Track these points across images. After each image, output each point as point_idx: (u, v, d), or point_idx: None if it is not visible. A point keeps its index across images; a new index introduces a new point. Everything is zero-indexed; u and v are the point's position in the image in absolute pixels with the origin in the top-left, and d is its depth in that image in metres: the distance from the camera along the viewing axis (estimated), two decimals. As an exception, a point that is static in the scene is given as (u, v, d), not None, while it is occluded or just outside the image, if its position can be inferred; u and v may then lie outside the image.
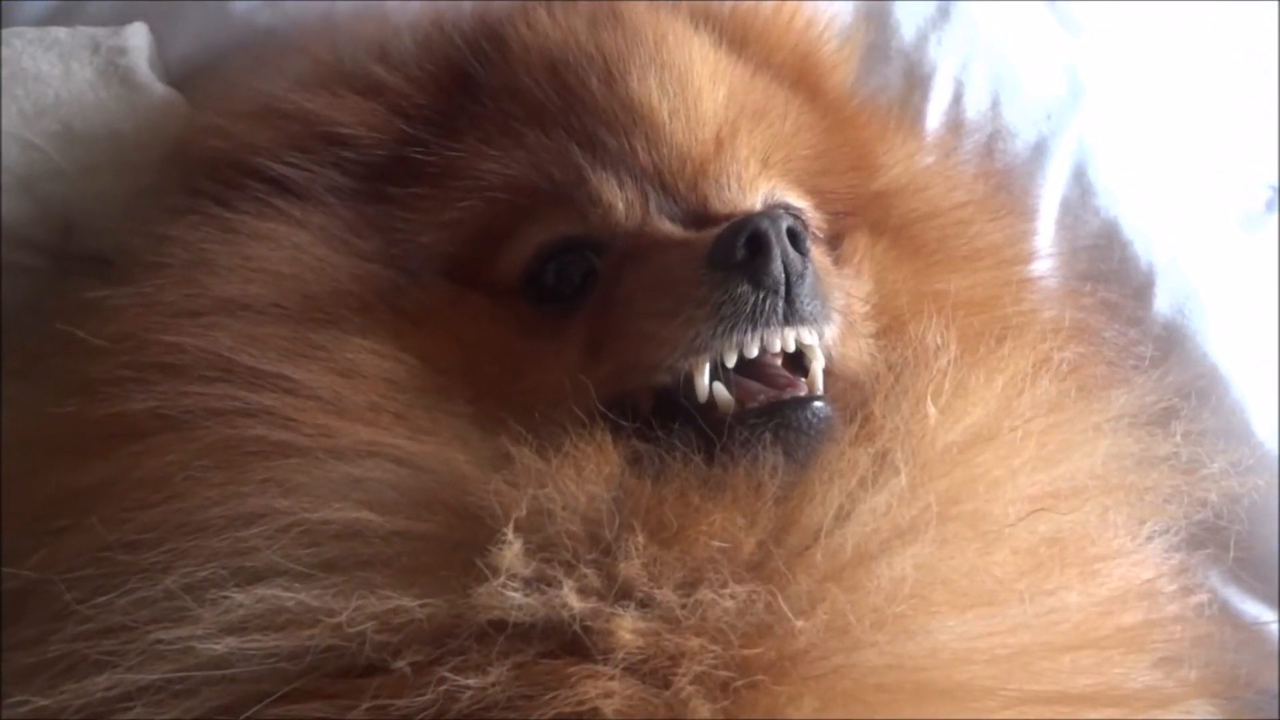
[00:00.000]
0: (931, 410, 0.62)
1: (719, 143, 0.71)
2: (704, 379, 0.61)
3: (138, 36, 0.79)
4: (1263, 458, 0.89)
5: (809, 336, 0.62)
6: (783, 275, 0.61)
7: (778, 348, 0.62)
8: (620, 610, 0.55)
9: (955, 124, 0.94)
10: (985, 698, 0.57)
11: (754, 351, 0.62)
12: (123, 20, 0.82)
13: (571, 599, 0.54)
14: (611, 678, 0.53)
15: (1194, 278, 0.94)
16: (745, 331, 0.61)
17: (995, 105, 0.95)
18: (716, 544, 0.56)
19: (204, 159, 0.73)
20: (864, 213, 0.76)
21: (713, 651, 0.54)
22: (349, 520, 0.57)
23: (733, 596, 0.55)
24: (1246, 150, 1.25)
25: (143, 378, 0.62)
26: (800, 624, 0.55)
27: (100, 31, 0.79)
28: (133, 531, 0.58)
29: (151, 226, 0.72)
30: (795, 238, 0.62)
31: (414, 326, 0.66)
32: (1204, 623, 0.71)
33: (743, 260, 0.61)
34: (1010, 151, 0.95)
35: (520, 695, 0.53)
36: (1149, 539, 0.71)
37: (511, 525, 0.55)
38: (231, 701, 0.55)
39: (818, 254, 0.66)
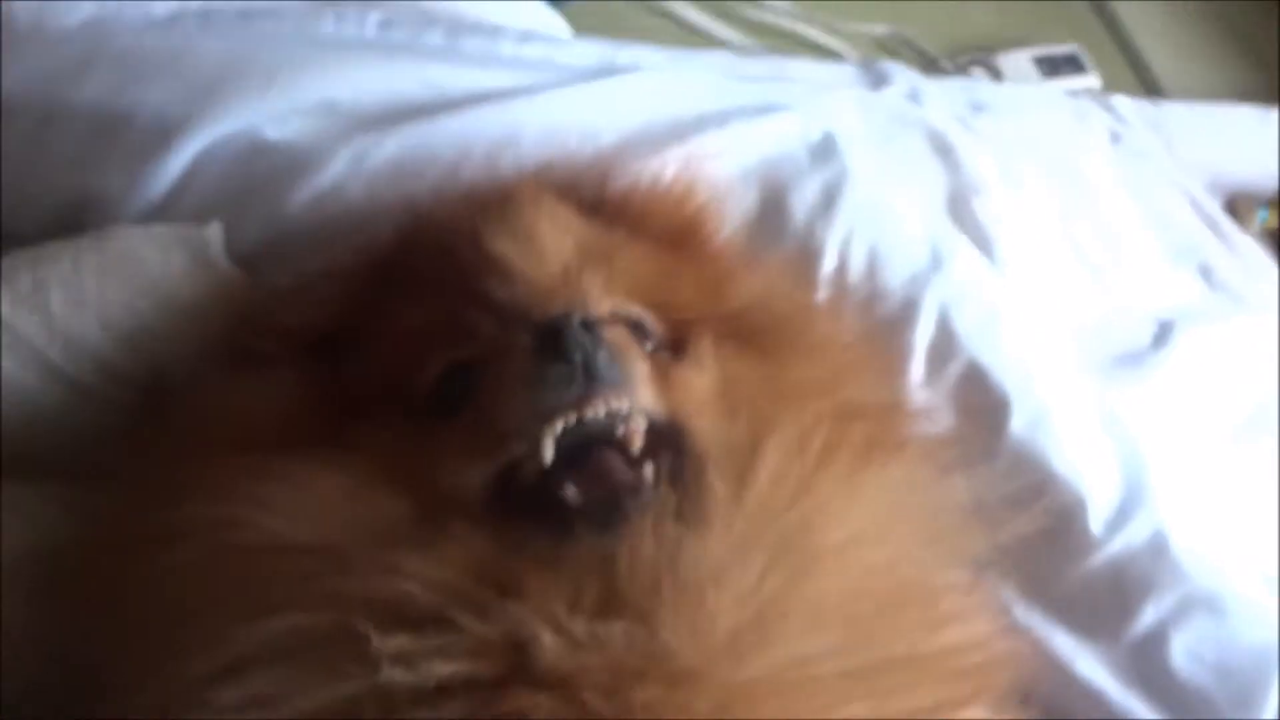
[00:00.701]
0: (715, 478, 0.77)
1: (565, 276, 0.86)
2: (547, 447, 0.76)
3: (216, 232, 1.02)
4: (1094, 549, 1.07)
5: (615, 401, 0.76)
6: (578, 352, 0.75)
7: (590, 415, 0.75)
8: (539, 640, 0.67)
9: (841, 286, 1.15)
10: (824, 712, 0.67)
11: (573, 418, 0.74)
12: (205, 214, 1.06)
13: (438, 667, 0.65)
14: (537, 693, 0.66)
15: (1045, 403, 1.12)
16: (558, 395, 0.75)
17: (871, 272, 1.16)
18: (564, 596, 0.68)
19: (220, 334, 0.96)
20: (711, 325, 0.91)
21: (609, 672, 0.67)
22: (292, 622, 0.68)
23: (615, 628, 0.68)
24: (1130, 287, 1.46)
25: (165, 499, 0.79)
26: (674, 645, 0.68)
27: (189, 230, 1.02)
28: (155, 623, 0.73)
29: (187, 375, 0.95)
30: (588, 326, 0.76)
31: (345, 451, 0.81)
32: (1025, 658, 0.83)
33: (549, 345, 0.76)
34: (886, 305, 1.16)
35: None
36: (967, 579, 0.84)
37: (378, 615, 0.67)
38: None
39: (617, 338, 0.81)
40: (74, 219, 1.09)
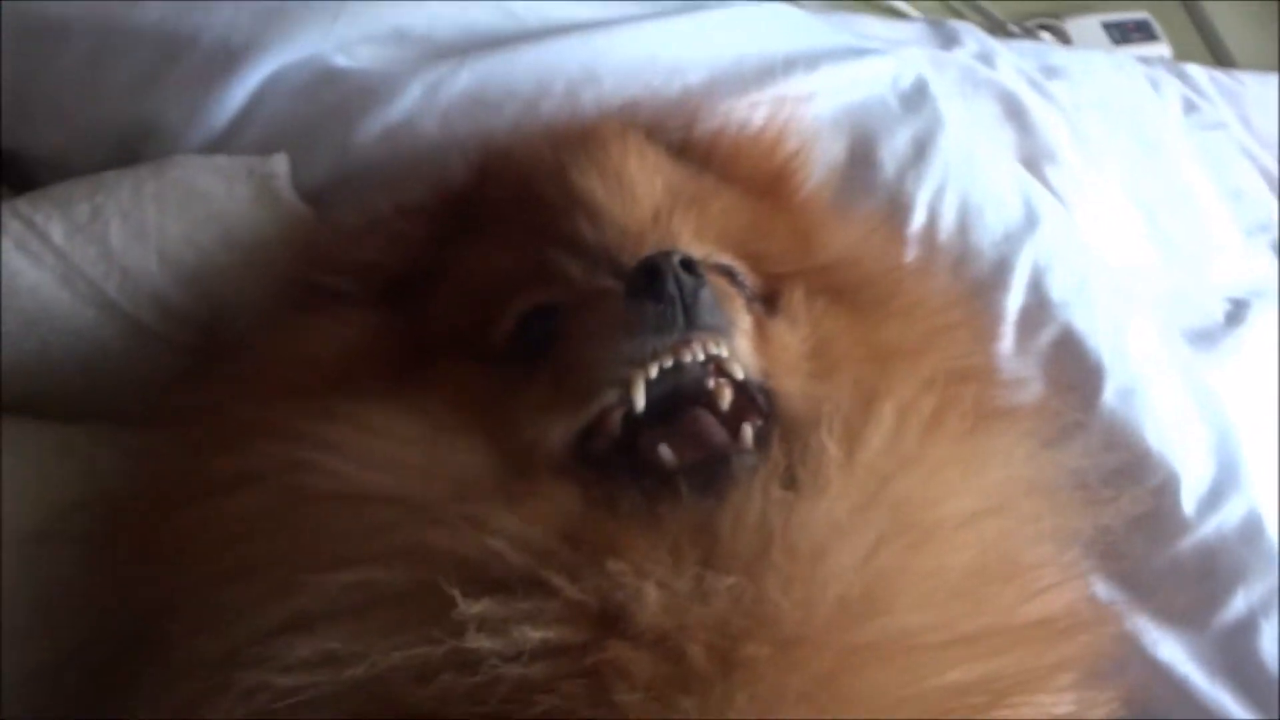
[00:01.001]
0: (829, 441, 0.73)
1: (656, 218, 0.83)
2: (640, 393, 0.71)
3: (282, 164, 0.98)
4: (1186, 531, 1.03)
5: (714, 347, 0.72)
6: (677, 292, 0.71)
7: (689, 359, 0.72)
8: (642, 595, 0.64)
9: (930, 244, 1.10)
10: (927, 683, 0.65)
11: (669, 361, 0.71)
12: (269, 148, 1.01)
13: (530, 633, 0.62)
14: (636, 649, 0.62)
15: (1138, 374, 1.08)
16: (655, 340, 0.71)
17: (963, 229, 1.11)
18: (664, 555, 0.65)
19: (288, 272, 0.92)
20: (802, 280, 0.88)
21: (713, 629, 0.63)
22: (366, 576, 0.65)
23: (722, 584, 0.64)
24: (1205, 264, 1.41)
25: (229, 441, 0.74)
26: (784, 607, 0.63)
27: (254, 160, 0.97)
28: (217, 573, 0.69)
29: (253, 314, 0.91)
30: (689, 266, 0.72)
31: (422, 395, 0.77)
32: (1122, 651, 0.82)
33: (645, 285, 0.72)
34: (977, 266, 1.11)
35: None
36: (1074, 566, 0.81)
37: (462, 574, 0.63)
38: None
39: (719, 282, 0.78)
40: (132, 151, 1.05)
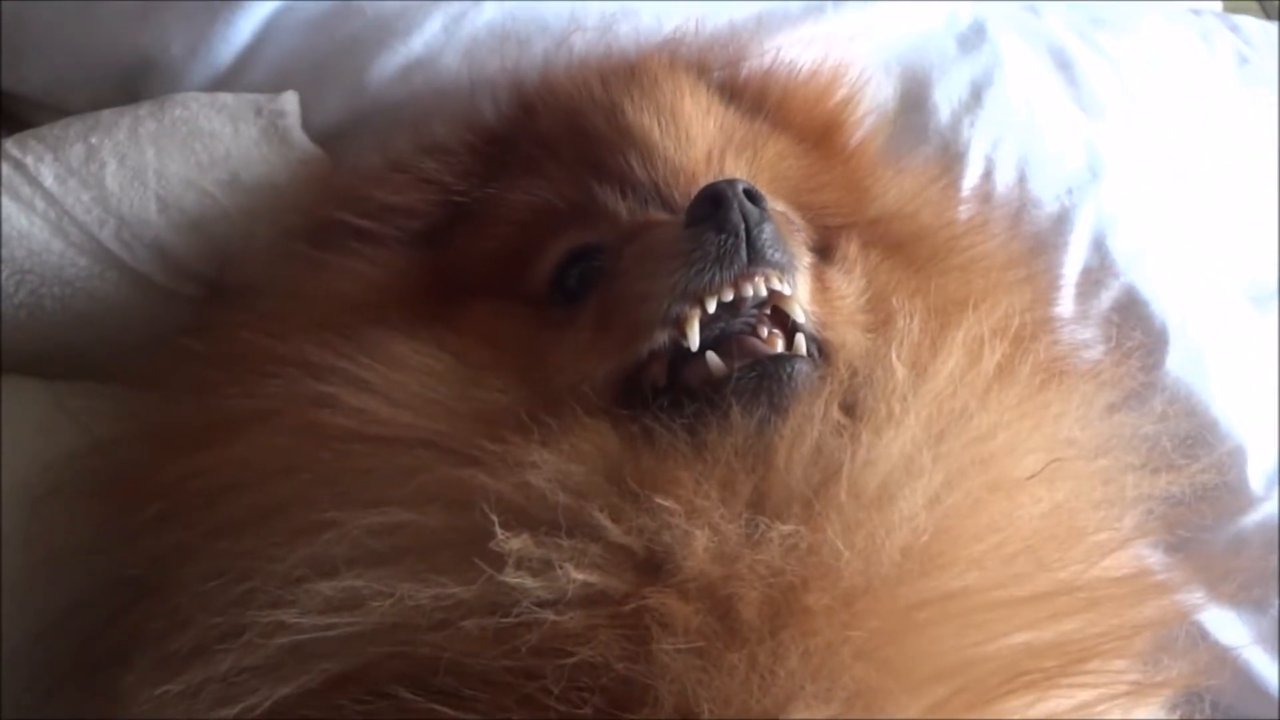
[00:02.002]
0: (898, 363, 0.69)
1: (709, 160, 0.79)
2: (694, 330, 0.67)
3: (292, 102, 0.91)
4: (1253, 506, 0.97)
5: (777, 283, 0.68)
6: (741, 222, 0.67)
7: (750, 293, 0.67)
8: (690, 540, 0.59)
9: (986, 195, 1.03)
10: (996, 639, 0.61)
11: (729, 295, 0.67)
12: (277, 88, 0.94)
13: (573, 573, 0.58)
14: (680, 601, 0.58)
15: (1203, 340, 1.02)
16: (714, 272, 0.67)
17: (1022, 180, 1.04)
18: (714, 493, 0.60)
19: (304, 215, 0.86)
20: (856, 231, 0.83)
21: (764, 580, 0.58)
22: (396, 519, 0.62)
23: (775, 530, 0.60)
24: (1261, 231, 1.34)
25: (241, 379, 0.71)
26: (845, 556, 0.59)
27: (261, 98, 0.91)
28: (229, 516, 0.66)
29: (265, 260, 0.86)
30: (753, 196, 0.68)
31: (453, 333, 0.74)
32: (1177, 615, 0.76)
33: (707, 214, 0.67)
34: (1035, 221, 1.03)
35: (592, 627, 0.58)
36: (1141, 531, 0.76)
37: (500, 513, 0.60)
38: (331, 677, 0.60)
39: (779, 217, 0.72)
40: (132, 90, 0.98)
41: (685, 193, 0.75)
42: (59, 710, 0.73)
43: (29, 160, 0.85)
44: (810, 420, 0.64)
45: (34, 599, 0.76)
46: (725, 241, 0.67)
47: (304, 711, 0.59)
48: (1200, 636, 0.90)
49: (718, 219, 0.67)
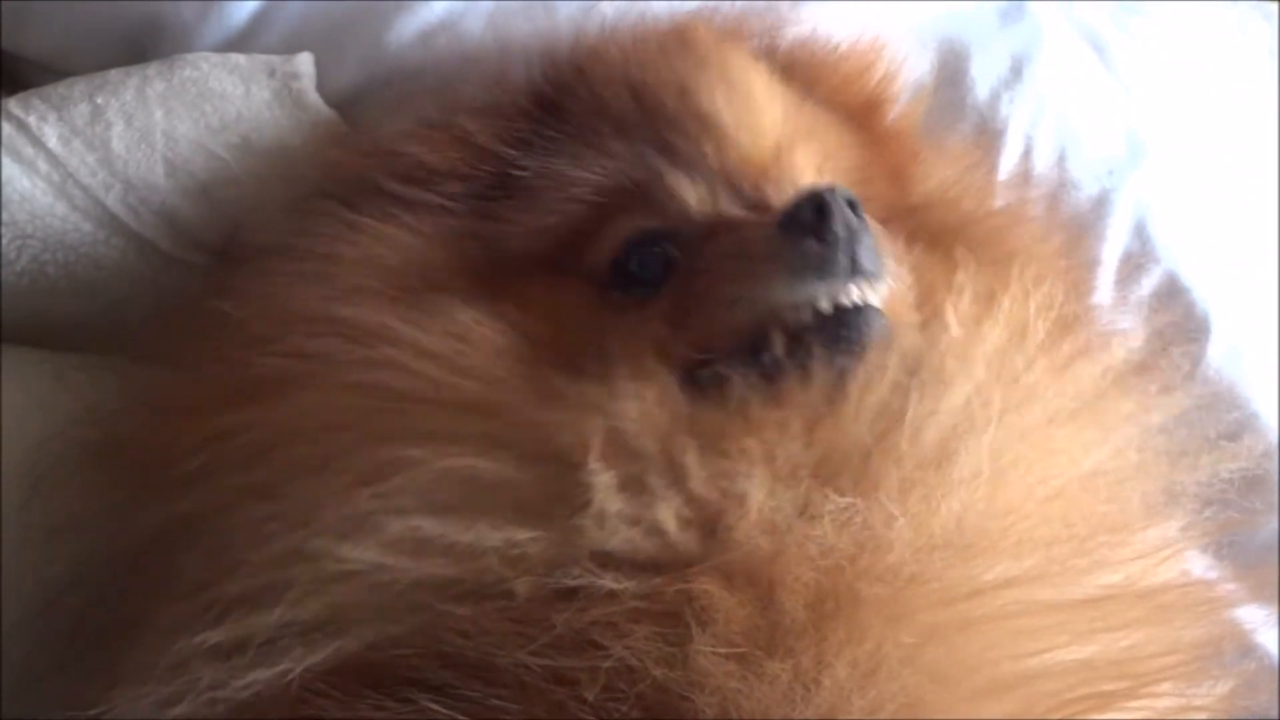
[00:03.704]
0: (953, 321, 0.69)
1: (777, 151, 0.77)
2: (780, 344, 0.66)
3: (306, 64, 0.88)
4: None
5: (871, 294, 0.68)
6: (844, 233, 0.66)
7: (843, 300, 0.67)
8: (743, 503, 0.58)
9: (1024, 175, 1.00)
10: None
11: (826, 304, 0.66)
12: (291, 51, 0.91)
13: (668, 521, 0.58)
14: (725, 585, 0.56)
15: (1244, 331, 0.99)
16: (814, 282, 0.66)
17: (1061, 160, 1.01)
18: (780, 451, 0.60)
19: (335, 175, 0.81)
20: (901, 222, 0.82)
21: (814, 566, 0.57)
22: (470, 464, 0.61)
23: (834, 505, 0.58)
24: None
25: (283, 339, 0.68)
26: (898, 523, 0.58)
27: (275, 59, 0.87)
28: (281, 468, 0.64)
29: (290, 223, 0.81)
30: (853, 205, 0.68)
31: (512, 307, 0.71)
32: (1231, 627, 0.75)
33: (808, 221, 0.66)
34: (1074, 203, 1.00)
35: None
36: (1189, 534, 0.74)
37: (594, 456, 0.60)
38: (376, 639, 0.58)
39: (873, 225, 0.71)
40: (140, 52, 0.94)
41: (754, 185, 0.74)
42: (50, 694, 0.70)
43: (31, 120, 0.81)
44: (881, 370, 0.63)
45: (33, 573, 0.73)
46: (828, 253, 0.66)
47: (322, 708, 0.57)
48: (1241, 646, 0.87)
49: (820, 229, 0.66)
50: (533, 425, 0.62)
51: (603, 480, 0.59)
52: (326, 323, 0.68)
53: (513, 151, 0.79)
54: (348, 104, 0.92)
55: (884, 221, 0.80)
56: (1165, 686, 0.61)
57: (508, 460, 0.61)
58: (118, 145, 0.81)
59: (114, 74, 0.85)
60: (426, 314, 0.69)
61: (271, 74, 0.85)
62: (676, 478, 0.60)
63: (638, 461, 0.60)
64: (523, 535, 0.58)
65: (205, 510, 0.65)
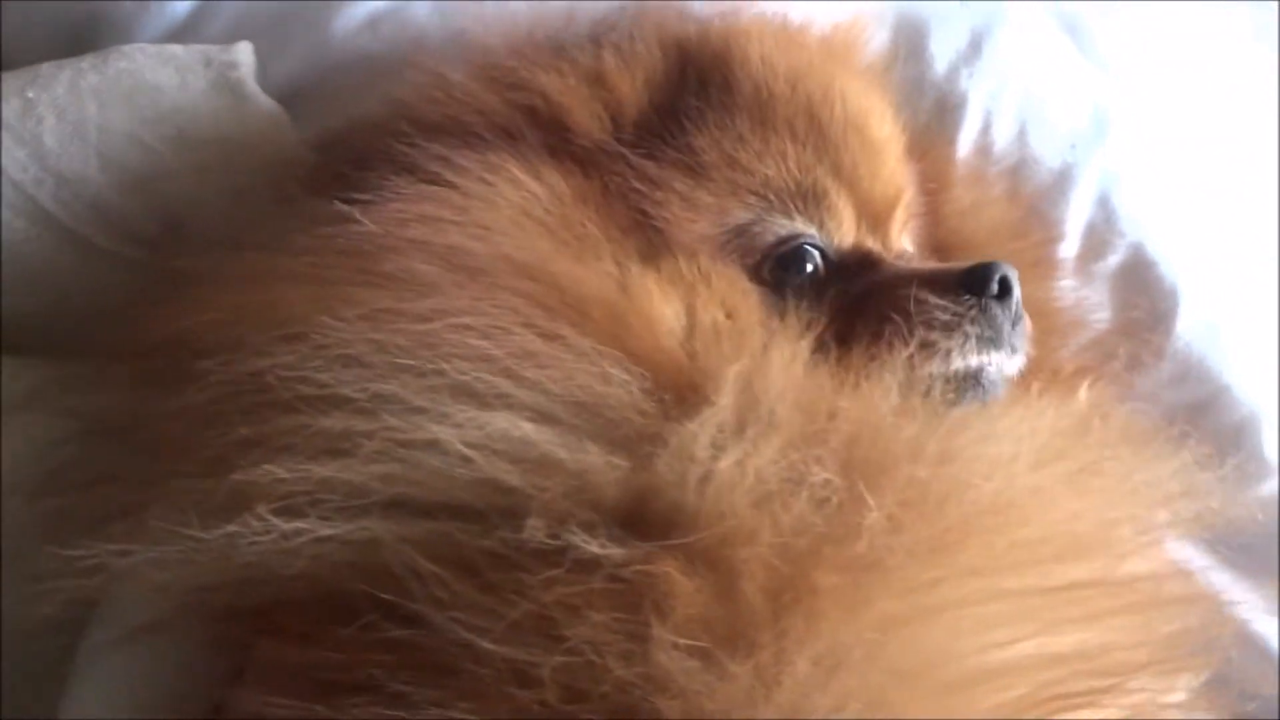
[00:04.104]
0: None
1: (901, 188, 0.83)
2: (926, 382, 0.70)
3: (245, 54, 0.86)
4: (1269, 474, 0.92)
5: (1009, 366, 0.76)
6: (1013, 311, 0.75)
7: (993, 372, 0.75)
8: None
9: (984, 151, 0.98)
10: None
11: (991, 362, 0.74)
12: (234, 42, 0.89)
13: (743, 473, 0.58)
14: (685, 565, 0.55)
15: (1216, 303, 0.97)
16: (991, 350, 0.74)
17: (1022, 134, 0.99)
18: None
19: (430, 116, 0.76)
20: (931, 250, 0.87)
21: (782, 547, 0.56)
22: (607, 389, 0.61)
23: (816, 479, 0.58)
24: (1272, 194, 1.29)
25: (426, 248, 0.66)
26: (867, 520, 0.57)
27: (212, 49, 0.86)
28: (398, 337, 0.61)
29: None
30: (1011, 282, 0.75)
31: (675, 286, 0.71)
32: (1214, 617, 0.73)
33: (994, 294, 0.74)
34: (1036, 178, 0.99)
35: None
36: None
37: (724, 393, 0.61)
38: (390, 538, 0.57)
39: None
40: (84, 46, 0.92)
41: (884, 220, 0.81)
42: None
43: (-42, 115, 0.80)
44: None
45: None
46: (997, 323, 0.74)
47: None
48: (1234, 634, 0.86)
49: (1005, 303, 0.74)
50: (677, 354, 0.64)
51: (714, 415, 0.60)
52: (478, 248, 0.67)
53: (661, 111, 0.79)
54: (293, 95, 0.90)
55: (920, 248, 0.85)
56: (1139, 682, 0.60)
57: (635, 380, 0.62)
58: (50, 140, 0.80)
59: (46, 68, 0.84)
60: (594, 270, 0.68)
61: (208, 64, 0.84)
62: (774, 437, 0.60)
63: (752, 411, 0.61)
64: (610, 460, 0.58)
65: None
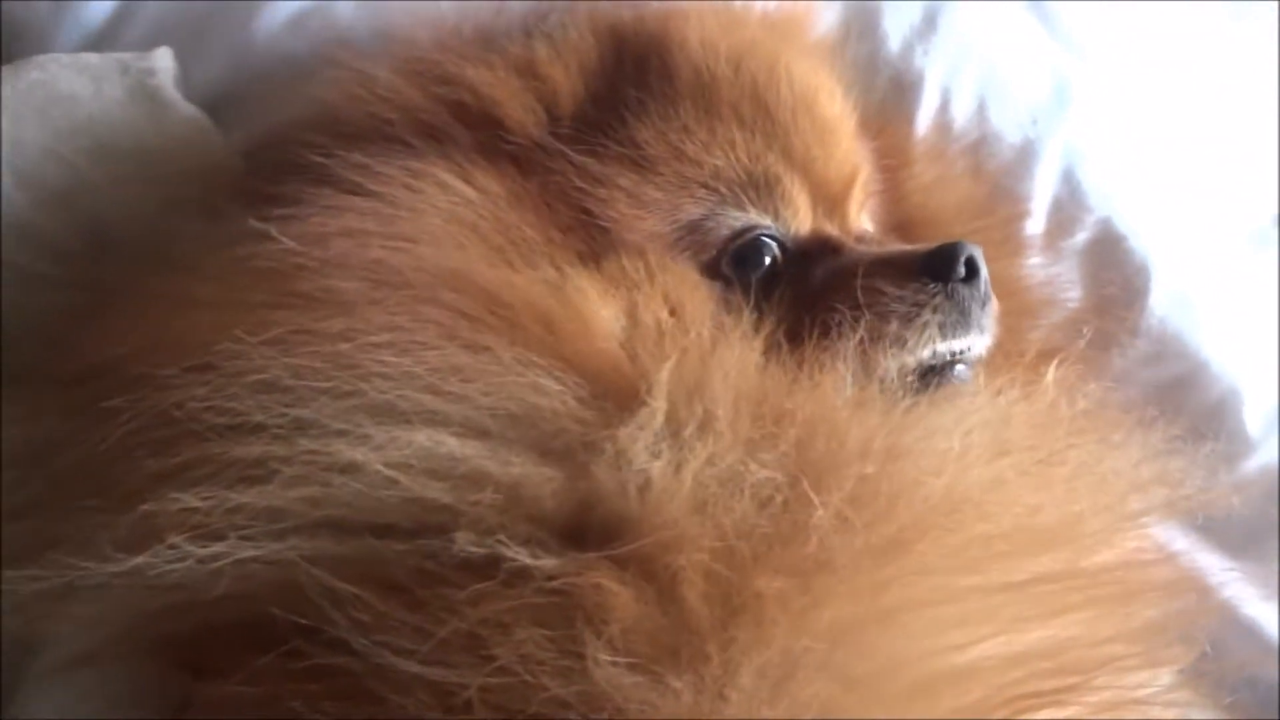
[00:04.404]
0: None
1: (856, 168, 0.80)
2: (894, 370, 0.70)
3: (164, 59, 0.83)
4: (1251, 451, 0.90)
5: (978, 346, 0.74)
6: (982, 292, 0.72)
7: (960, 349, 0.73)
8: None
9: (943, 129, 0.96)
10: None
11: (959, 350, 0.72)
12: (155, 47, 0.86)
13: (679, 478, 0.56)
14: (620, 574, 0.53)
15: (1189, 277, 0.95)
16: (960, 334, 0.72)
17: (982, 110, 0.97)
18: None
19: (351, 118, 0.74)
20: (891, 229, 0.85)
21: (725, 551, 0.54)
22: (538, 399, 0.58)
23: (758, 478, 0.56)
24: (1252, 166, 1.26)
25: (346, 266, 0.63)
26: (815, 520, 0.55)
27: (128, 56, 0.82)
28: (314, 360, 0.59)
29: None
30: (978, 262, 0.73)
31: (617, 287, 0.69)
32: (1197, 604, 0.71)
33: (960, 277, 0.72)
34: (998, 155, 0.96)
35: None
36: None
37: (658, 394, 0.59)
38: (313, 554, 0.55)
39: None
40: (4, 56, 0.89)
41: (840, 201, 0.78)
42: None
43: None
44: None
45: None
46: (965, 305, 0.72)
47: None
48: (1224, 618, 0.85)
49: (972, 285, 0.72)
50: (616, 358, 0.62)
51: (649, 418, 0.58)
52: (402, 262, 0.64)
53: (600, 103, 0.76)
54: (219, 99, 0.87)
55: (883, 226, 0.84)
56: (1105, 678, 0.58)
57: (570, 388, 0.59)
58: (-43, 157, 0.76)
59: (-46, 82, 0.80)
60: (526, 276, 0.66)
61: (125, 72, 0.80)
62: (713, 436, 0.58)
63: (688, 411, 0.59)
64: (543, 471, 0.56)
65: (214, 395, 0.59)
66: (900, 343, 0.70)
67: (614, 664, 0.50)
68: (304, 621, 0.53)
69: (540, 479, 0.56)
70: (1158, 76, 1.24)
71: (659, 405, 0.58)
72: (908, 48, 0.98)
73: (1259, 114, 1.31)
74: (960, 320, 0.72)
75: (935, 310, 0.71)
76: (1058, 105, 0.99)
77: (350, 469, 0.55)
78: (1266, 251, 1.09)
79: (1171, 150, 1.11)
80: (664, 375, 0.59)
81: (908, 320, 0.71)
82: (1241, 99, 1.31)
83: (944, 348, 0.72)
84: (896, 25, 0.98)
